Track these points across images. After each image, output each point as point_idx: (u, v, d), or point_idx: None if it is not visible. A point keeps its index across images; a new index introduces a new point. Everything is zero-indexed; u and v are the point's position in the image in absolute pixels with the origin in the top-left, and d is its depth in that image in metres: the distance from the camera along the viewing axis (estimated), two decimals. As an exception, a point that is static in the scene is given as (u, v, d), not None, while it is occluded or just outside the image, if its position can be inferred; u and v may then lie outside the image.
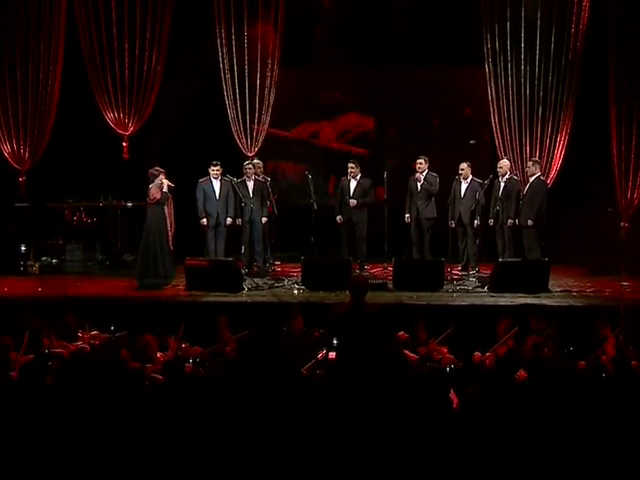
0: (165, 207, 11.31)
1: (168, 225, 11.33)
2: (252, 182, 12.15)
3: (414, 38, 13.84)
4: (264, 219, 12.21)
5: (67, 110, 13.47)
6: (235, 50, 13.13)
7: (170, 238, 11.38)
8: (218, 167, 11.92)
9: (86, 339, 8.46)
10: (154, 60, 13.25)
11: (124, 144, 13.52)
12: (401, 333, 8.49)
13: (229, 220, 11.98)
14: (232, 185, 11.88)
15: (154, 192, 11.12)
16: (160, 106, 13.51)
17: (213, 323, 8.72)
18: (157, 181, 11.18)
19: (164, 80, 13.41)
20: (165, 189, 11.20)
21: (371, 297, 9.93)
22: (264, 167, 12.84)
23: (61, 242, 13.71)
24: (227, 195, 11.96)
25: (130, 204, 13.54)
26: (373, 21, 13.99)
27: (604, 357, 7.86)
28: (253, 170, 12.23)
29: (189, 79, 13.19)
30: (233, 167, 12.41)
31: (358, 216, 12.19)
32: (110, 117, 13.46)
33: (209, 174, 12.00)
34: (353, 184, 12.24)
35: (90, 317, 8.91)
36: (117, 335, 8.52)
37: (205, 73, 13.41)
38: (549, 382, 6.55)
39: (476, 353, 8.11)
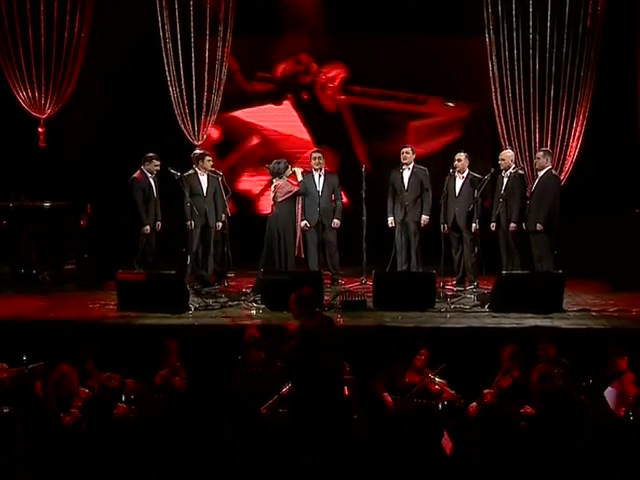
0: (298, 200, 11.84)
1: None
2: (205, 176, 12.10)
3: (399, 2, 13.88)
4: (219, 224, 12.16)
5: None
6: (178, 14, 13.09)
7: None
8: (159, 161, 11.88)
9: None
10: (77, 25, 13.20)
11: (40, 130, 13.45)
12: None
13: (159, 224, 12.01)
14: (180, 181, 11.80)
15: (287, 187, 11.48)
16: (84, 83, 13.44)
17: (159, 348, 8.70)
18: (284, 177, 11.48)
19: (89, 50, 13.35)
20: (300, 177, 11.68)
21: (347, 318, 9.95)
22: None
23: (-39, 252, 13.57)
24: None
25: (48, 204, 13.34)
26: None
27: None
28: (211, 162, 12.19)
29: (120, 50, 13.13)
30: (178, 159, 12.27)
31: (329, 219, 12.21)
32: (22, 96, 13.39)
33: (144, 169, 11.93)
34: (320, 179, 12.23)
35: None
36: (31, 367, 8.44)
37: (141, 43, 13.33)
38: (561, 421, 6.56)
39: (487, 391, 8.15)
